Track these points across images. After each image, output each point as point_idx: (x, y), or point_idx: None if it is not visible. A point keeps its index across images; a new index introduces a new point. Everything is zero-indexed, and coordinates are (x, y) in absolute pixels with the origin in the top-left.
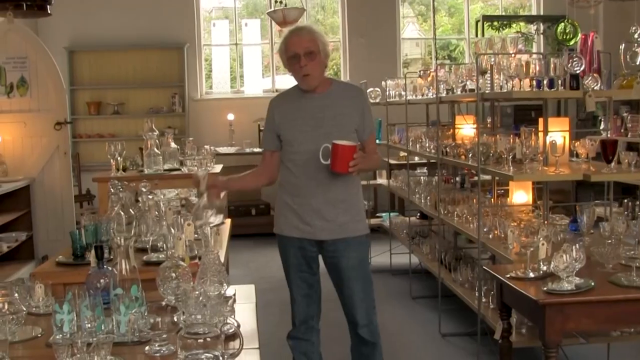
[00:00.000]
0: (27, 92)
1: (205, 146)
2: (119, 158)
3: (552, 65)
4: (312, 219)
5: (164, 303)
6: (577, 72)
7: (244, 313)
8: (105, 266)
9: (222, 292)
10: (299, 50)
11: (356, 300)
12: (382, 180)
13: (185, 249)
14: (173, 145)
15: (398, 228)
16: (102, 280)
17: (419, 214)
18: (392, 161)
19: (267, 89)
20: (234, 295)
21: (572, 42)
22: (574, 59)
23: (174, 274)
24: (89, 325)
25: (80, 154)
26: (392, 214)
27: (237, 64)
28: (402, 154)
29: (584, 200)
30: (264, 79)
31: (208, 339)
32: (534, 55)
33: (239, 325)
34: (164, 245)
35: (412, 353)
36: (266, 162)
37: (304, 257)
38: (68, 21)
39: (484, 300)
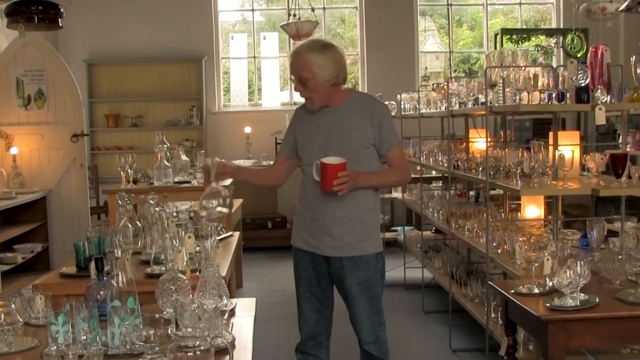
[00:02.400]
0: (45, 104)
1: (216, 158)
2: (129, 170)
3: (560, 78)
4: (320, 235)
5: (157, 315)
6: (582, 84)
7: (242, 327)
8: (105, 278)
9: (219, 305)
10: (294, 76)
11: (361, 317)
12: (397, 194)
13: (185, 261)
14: (184, 157)
15: (412, 242)
16: (101, 292)
17: (434, 228)
18: None
19: (285, 102)
20: (234, 308)
21: (580, 54)
22: (579, 71)
23: (173, 287)
24: (84, 337)
25: (99, 166)
26: (407, 228)
27: (255, 77)
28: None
29: (603, 215)
30: (281, 92)
31: (198, 352)
32: (545, 68)
33: (233, 339)
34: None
35: None
36: (277, 165)
37: (315, 272)
38: (87, 34)
39: (493, 315)
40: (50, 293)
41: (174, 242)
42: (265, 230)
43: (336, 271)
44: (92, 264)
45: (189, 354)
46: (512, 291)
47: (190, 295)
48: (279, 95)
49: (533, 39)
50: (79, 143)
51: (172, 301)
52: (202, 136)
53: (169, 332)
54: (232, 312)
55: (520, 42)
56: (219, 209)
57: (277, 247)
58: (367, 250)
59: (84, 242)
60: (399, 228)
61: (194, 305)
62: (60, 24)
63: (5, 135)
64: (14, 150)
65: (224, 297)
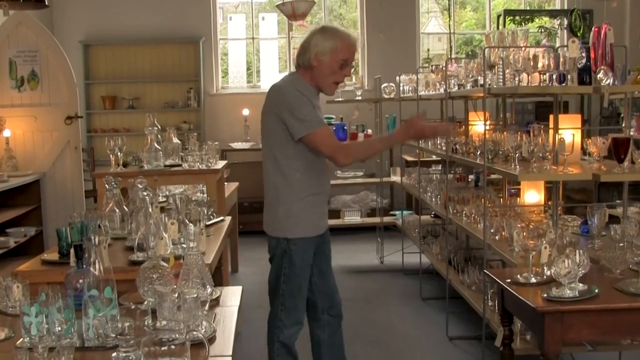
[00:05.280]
0: (38, 85)
1: (209, 142)
2: (119, 153)
3: (562, 59)
4: (326, 213)
5: (133, 306)
6: (579, 65)
7: (225, 317)
8: (85, 266)
9: (200, 295)
10: (352, 60)
11: (333, 282)
12: (395, 178)
13: (169, 248)
14: (175, 140)
15: (410, 227)
16: (81, 281)
17: (433, 213)
18: (408, 158)
19: None
20: (219, 297)
21: (579, 34)
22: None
23: (154, 275)
24: (59, 329)
25: (95, 148)
26: (406, 212)
27: (254, 59)
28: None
29: (606, 200)
30: (280, 73)
31: (172, 347)
32: (545, 48)
33: (214, 331)
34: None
35: (418, 356)
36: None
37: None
38: (84, 15)
39: (490, 303)
40: (29, 281)
41: (158, 228)
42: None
43: (323, 243)
44: (72, 251)
45: (163, 348)
46: (509, 280)
47: (172, 284)
48: (278, 76)
49: (537, 20)
50: (73, 125)
51: (154, 290)
52: (199, 118)
53: (146, 323)
54: (216, 302)
55: (523, 24)
56: None
57: None
58: None
59: (66, 228)
60: (397, 212)
61: (174, 296)
62: (47, 3)
63: None
64: (6, 133)
65: (208, 286)
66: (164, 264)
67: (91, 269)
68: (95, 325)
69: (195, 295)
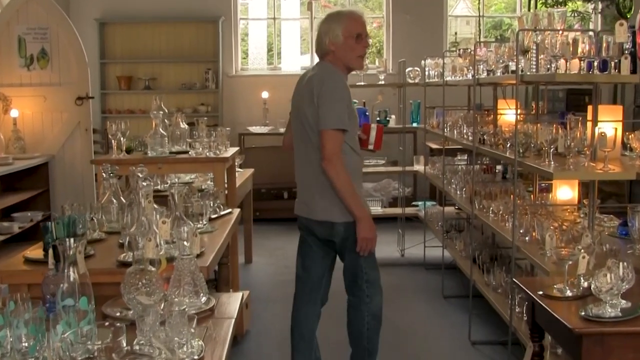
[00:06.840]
0: (48, 64)
1: (219, 128)
2: (121, 138)
3: (604, 45)
4: None
5: (107, 323)
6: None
7: (218, 332)
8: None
9: (186, 308)
10: (366, 31)
11: None
12: (419, 167)
13: (159, 250)
14: (183, 125)
15: (434, 219)
16: (61, 286)
17: (457, 205)
18: (433, 145)
19: (306, 67)
20: (214, 307)
21: (628, 16)
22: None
23: (140, 282)
24: (26, 345)
25: (109, 130)
26: (429, 203)
27: (275, 40)
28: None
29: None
30: (302, 55)
31: None
32: (585, 32)
33: (202, 350)
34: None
35: None
36: None
37: None
38: None
39: (517, 310)
40: (9, 282)
41: (150, 226)
42: (281, 200)
43: None
44: (50, 252)
45: None
46: (540, 293)
47: (160, 293)
48: (299, 59)
49: (570, 4)
50: (84, 106)
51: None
52: (217, 100)
53: (122, 342)
54: (210, 312)
55: (555, 7)
56: None
57: (293, 219)
58: None
59: (51, 222)
60: (420, 203)
61: (159, 308)
62: None
63: (2, 97)
64: (14, 113)
65: (202, 294)
66: (152, 268)
67: (70, 272)
68: (56, 349)
69: (184, 308)
